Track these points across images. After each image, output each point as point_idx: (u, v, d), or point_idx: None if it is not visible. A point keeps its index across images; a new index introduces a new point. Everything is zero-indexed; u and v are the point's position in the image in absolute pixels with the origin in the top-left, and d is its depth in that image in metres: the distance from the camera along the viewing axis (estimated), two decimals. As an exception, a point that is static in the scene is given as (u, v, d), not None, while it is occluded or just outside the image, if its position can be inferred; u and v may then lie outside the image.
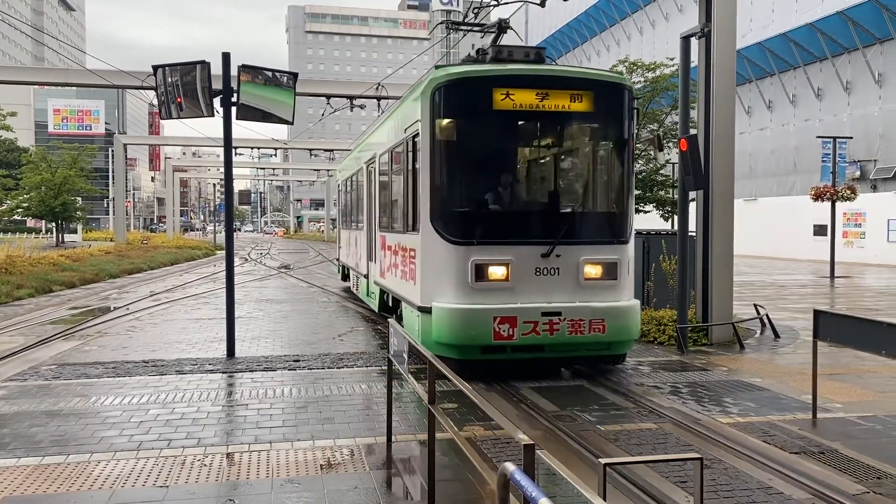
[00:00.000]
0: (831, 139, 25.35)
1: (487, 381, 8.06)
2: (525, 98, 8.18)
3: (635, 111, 8.83)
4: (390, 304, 10.81)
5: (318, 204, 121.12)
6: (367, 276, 13.52)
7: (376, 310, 12.46)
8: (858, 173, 34.65)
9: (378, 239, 11.66)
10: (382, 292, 11.39)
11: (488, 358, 7.98)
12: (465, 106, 8.30)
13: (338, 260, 21.48)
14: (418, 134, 8.35)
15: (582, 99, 8.31)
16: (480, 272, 7.89)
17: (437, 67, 8.42)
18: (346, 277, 19.19)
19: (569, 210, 8.96)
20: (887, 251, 31.85)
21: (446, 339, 7.88)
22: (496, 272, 7.93)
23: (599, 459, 2.84)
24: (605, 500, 2.54)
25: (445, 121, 8.13)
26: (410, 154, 8.84)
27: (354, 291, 16.68)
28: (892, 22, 33.14)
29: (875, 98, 34.90)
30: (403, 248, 9.30)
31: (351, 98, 23.81)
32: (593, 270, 8.20)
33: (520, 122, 8.69)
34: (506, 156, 8.84)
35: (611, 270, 8.27)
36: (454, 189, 8.36)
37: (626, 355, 8.85)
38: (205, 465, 5.51)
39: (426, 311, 8.12)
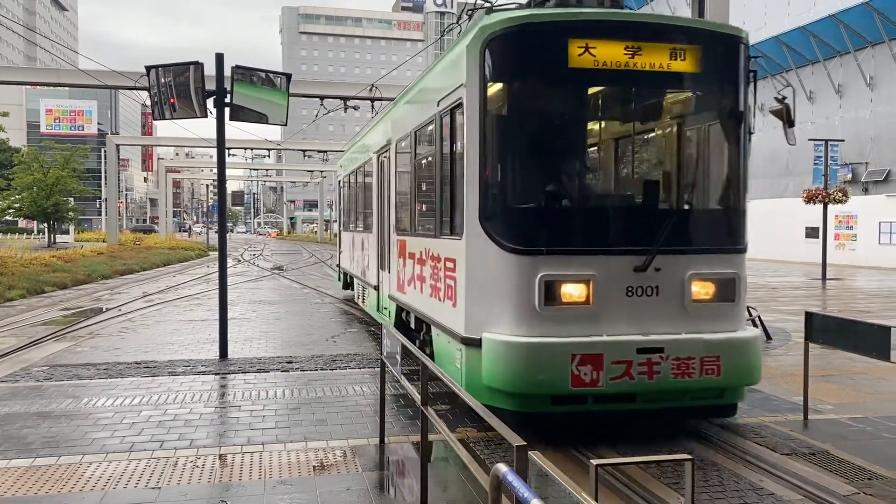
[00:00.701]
0: (823, 142, 25.50)
1: (556, 443, 5.90)
2: (610, 53, 6.08)
3: (753, 74, 6.65)
4: (412, 325, 8.73)
5: (311, 205, 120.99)
6: (377, 288, 11.36)
7: None
8: (850, 176, 34.88)
9: (394, 244, 9.64)
10: (400, 310, 9.34)
11: (561, 411, 5.93)
12: (530, 64, 6.17)
13: (338, 266, 18.83)
14: (461, 105, 6.34)
15: (685, 56, 6.22)
16: (552, 292, 5.85)
17: (489, 12, 6.46)
18: (348, 286, 16.89)
19: (670, 206, 6.71)
20: (879, 253, 32.03)
21: (504, 385, 5.82)
22: (573, 292, 5.90)
23: (591, 460, 2.85)
24: (596, 500, 2.55)
25: (502, 85, 6.19)
26: (447, 134, 6.88)
27: (359, 304, 14.36)
28: (884, 25, 33.34)
29: (866, 101, 35.11)
30: (435, 256, 7.29)
31: (345, 99, 23.77)
32: (704, 289, 6.18)
33: (603, 87, 6.62)
34: (584, 133, 6.82)
35: (727, 289, 6.25)
36: (514, 178, 6.34)
37: (737, 406, 6.55)
38: (197, 466, 5.50)
39: (472, 343, 6.09)
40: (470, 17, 11.35)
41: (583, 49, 6.04)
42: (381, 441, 6.01)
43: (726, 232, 6.57)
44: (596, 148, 7.14)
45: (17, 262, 23.63)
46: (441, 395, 7.25)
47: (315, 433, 6.35)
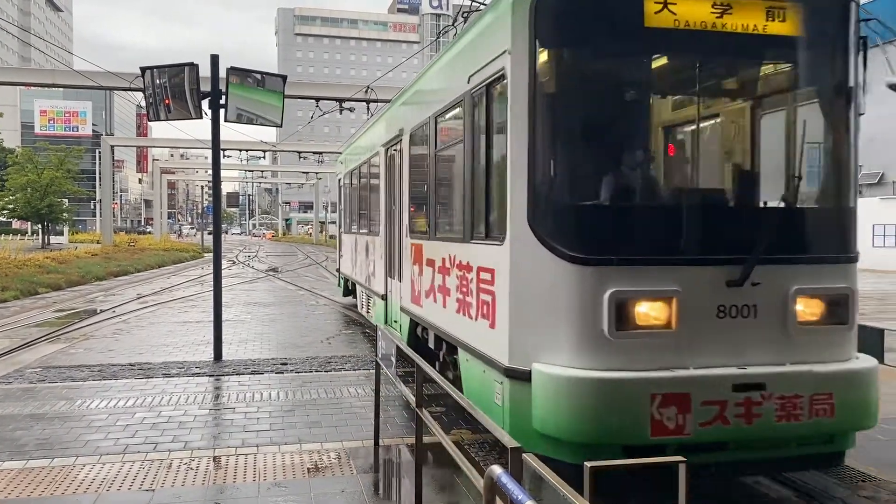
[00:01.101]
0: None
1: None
2: (694, 11, 4.92)
3: (863, 41, 5.45)
4: (431, 344, 7.59)
5: (306, 207, 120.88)
6: (385, 298, 10.23)
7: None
8: (844, 178, 34.95)
9: (407, 249, 8.53)
10: (415, 324, 8.25)
11: None
12: (595, 23, 5.02)
13: (338, 271, 17.52)
14: (502, 78, 5.20)
15: (784, 16, 5.05)
16: (625, 313, 4.69)
17: None
18: (349, 293, 15.77)
19: (769, 204, 5.42)
20: (872, 256, 32.14)
21: (563, 433, 4.67)
22: (652, 313, 4.75)
23: (585, 462, 2.85)
24: (590, 503, 2.55)
25: (559, 50, 5.06)
26: (481, 116, 5.75)
27: (363, 314, 13.25)
28: (879, 29, 33.50)
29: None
30: (463, 265, 6.15)
31: (340, 101, 23.79)
32: (811, 309, 5.04)
33: (685, 54, 5.28)
34: (661, 112, 5.72)
35: (839, 308, 5.12)
36: (574, 168, 5.14)
37: (845, 455, 5.24)
38: (191, 468, 5.49)
39: (519, 376, 4.94)
40: (465, 18, 11.33)
41: (661, 5, 4.88)
42: (376, 443, 6.00)
43: (836, 235, 5.36)
44: (676, 130, 5.83)
45: (10, 264, 23.58)
46: (436, 396, 7.25)
47: (309, 435, 6.34)
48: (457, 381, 6.43)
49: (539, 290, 4.92)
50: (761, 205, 5.41)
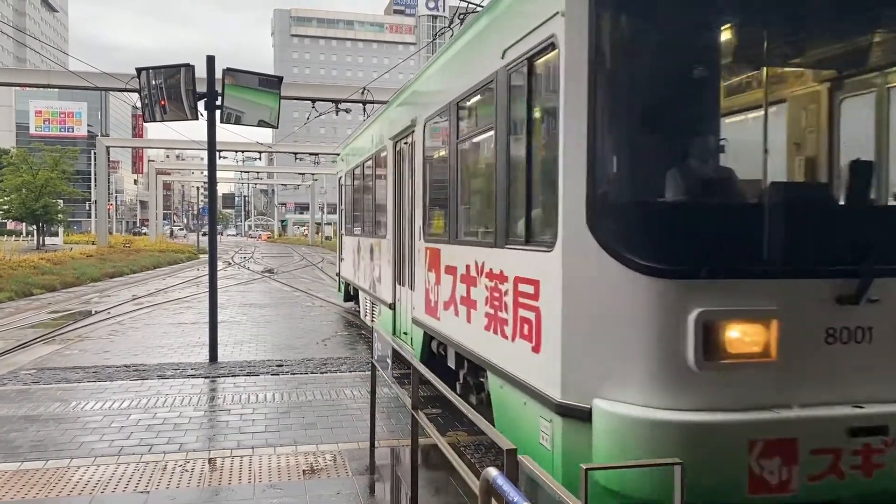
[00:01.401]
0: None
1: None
2: None
3: None
4: (452, 363, 6.77)
5: (302, 208, 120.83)
6: (393, 307, 9.28)
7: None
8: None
9: (421, 253, 7.59)
10: (429, 338, 7.37)
11: None
12: None
13: (338, 275, 16.47)
14: (552, 47, 4.27)
15: None
16: (715, 339, 3.74)
17: None
18: (350, 298, 14.84)
19: (887, 203, 4.63)
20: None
21: (635, 489, 3.67)
22: (747, 339, 3.80)
23: (581, 465, 2.86)
24: (586, 504, 2.55)
25: (627, 13, 4.09)
26: (521, 97, 4.78)
27: (367, 322, 12.27)
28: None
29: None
30: (495, 274, 5.18)
31: (336, 102, 23.83)
32: None
33: (786, 16, 4.29)
34: (755, 90, 4.65)
35: None
36: (648, 159, 4.24)
37: None
38: (186, 470, 5.48)
39: (575, 415, 4.01)
40: (462, 20, 11.37)
41: None
42: (372, 445, 6.00)
43: None
44: (776, 113, 4.79)
45: (5, 265, 23.54)
46: (432, 398, 7.25)
47: (305, 437, 6.33)
48: (482, 408, 5.67)
49: (602, 308, 3.97)
50: (878, 203, 4.53)
